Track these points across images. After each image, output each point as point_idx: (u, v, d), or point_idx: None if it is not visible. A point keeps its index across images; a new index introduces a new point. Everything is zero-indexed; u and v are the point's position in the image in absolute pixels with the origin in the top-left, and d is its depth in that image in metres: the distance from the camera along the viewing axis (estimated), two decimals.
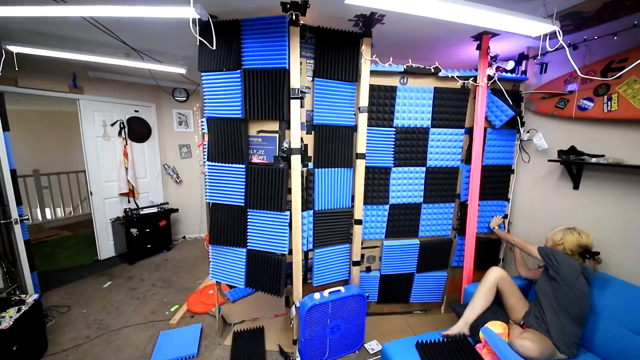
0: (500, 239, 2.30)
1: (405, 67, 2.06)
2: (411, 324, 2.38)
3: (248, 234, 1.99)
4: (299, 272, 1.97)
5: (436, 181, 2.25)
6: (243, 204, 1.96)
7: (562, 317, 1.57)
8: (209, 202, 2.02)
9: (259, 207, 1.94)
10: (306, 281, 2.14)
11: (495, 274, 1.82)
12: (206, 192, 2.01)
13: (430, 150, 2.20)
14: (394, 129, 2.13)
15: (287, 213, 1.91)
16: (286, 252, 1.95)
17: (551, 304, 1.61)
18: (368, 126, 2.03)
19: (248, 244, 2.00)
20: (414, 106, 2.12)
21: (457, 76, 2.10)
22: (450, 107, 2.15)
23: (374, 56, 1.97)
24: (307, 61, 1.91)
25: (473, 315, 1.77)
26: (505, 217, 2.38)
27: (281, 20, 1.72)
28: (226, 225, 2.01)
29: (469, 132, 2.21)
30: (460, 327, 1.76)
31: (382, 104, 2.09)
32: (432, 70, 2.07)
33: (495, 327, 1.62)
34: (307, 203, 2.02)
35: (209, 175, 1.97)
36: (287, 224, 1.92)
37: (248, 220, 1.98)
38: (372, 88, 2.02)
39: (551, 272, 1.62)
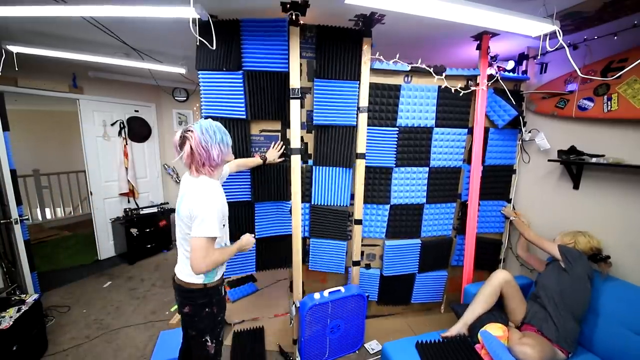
0: (520, 233, 2.11)
1: (410, 66, 2.03)
2: (411, 324, 2.38)
3: (256, 225, 2.06)
4: (299, 272, 1.99)
5: (439, 181, 2.24)
6: (250, 199, 2.00)
7: (563, 312, 1.59)
8: None
9: (265, 200, 2.03)
10: (304, 263, 2.17)
11: (500, 277, 1.78)
12: None
13: (434, 150, 2.18)
14: (397, 129, 2.11)
15: (290, 202, 2.00)
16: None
17: (553, 297, 1.64)
18: (370, 126, 2.02)
19: (257, 234, 2.06)
20: (417, 105, 2.10)
21: (461, 75, 2.09)
22: (454, 106, 2.14)
23: (377, 54, 1.95)
24: (308, 61, 1.92)
25: (473, 317, 1.76)
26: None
27: (282, 23, 1.74)
28: (234, 221, 2.01)
29: (472, 132, 2.20)
30: (459, 328, 1.76)
31: (386, 103, 2.07)
32: (436, 69, 2.06)
33: (495, 329, 1.62)
34: (305, 197, 2.07)
35: None
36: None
37: (255, 213, 2.05)
38: (376, 87, 2.01)
39: (566, 267, 1.65)
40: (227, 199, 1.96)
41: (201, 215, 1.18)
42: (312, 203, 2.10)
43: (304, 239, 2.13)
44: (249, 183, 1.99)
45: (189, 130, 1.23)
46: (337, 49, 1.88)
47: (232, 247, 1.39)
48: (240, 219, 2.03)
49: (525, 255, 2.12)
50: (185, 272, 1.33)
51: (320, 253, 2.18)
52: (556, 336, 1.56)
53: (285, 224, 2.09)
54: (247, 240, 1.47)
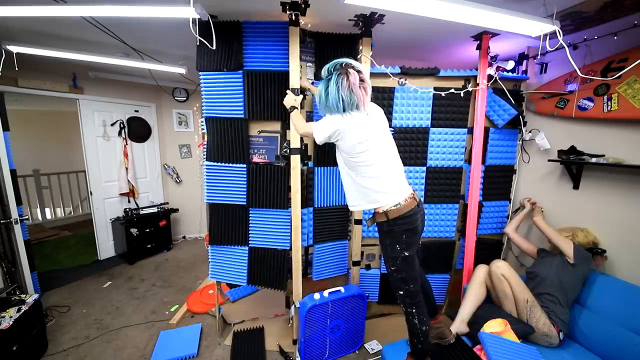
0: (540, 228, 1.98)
1: (402, 69, 2.04)
2: None
3: (250, 232, 2.01)
4: (299, 271, 1.98)
5: (437, 181, 2.23)
6: (245, 203, 1.97)
7: (559, 295, 1.68)
8: (207, 202, 2.03)
9: (261, 206, 1.97)
10: (306, 276, 2.16)
11: (482, 270, 1.92)
12: (205, 192, 2.01)
13: (431, 150, 2.18)
14: (392, 129, 2.12)
15: (290, 210, 1.94)
16: (288, 248, 1.99)
17: (552, 282, 1.71)
18: None
19: (250, 242, 2.02)
20: (412, 106, 2.11)
21: (456, 76, 2.09)
22: (451, 106, 2.14)
23: (370, 54, 1.95)
24: (307, 65, 1.94)
25: (466, 311, 1.82)
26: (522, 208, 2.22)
27: (284, 25, 1.76)
28: (227, 224, 2.02)
29: (472, 132, 2.19)
30: (457, 326, 1.78)
31: (380, 104, 2.06)
32: (429, 71, 2.07)
33: (495, 325, 1.62)
34: (307, 200, 2.04)
35: (207, 175, 1.97)
36: (290, 221, 1.95)
37: (250, 218, 2.00)
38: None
39: (576, 263, 1.69)
40: (218, 199, 1.99)
41: None
42: (315, 206, 2.08)
43: (305, 249, 2.11)
44: (245, 184, 1.95)
45: (359, 70, 1.40)
46: (334, 55, 1.89)
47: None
48: (232, 223, 2.01)
49: (514, 235, 2.11)
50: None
51: (325, 258, 2.17)
52: (551, 310, 1.65)
53: (283, 236, 2.01)
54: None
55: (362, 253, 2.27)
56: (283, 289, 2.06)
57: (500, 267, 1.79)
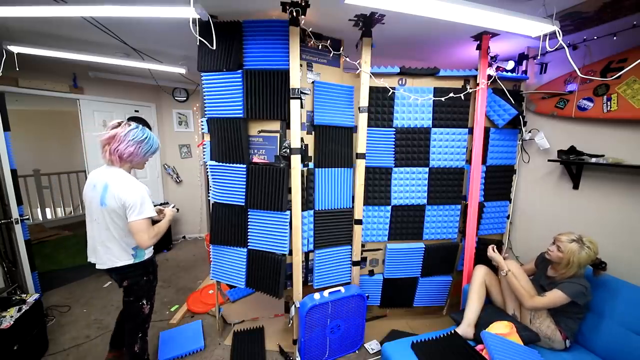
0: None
1: (401, 69, 2.05)
2: (412, 325, 2.39)
3: (249, 233, 2.00)
4: (299, 272, 1.98)
5: (440, 182, 2.22)
6: (243, 204, 1.96)
7: (568, 308, 1.60)
8: (211, 202, 2.04)
9: (260, 207, 1.94)
10: (306, 284, 2.13)
11: (481, 271, 1.92)
12: (210, 192, 2.02)
13: (433, 151, 2.18)
14: (394, 129, 2.12)
15: (288, 213, 1.91)
16: (286, 252, 1.96)
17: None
18: (368, 127, 2.02)
19: (249, 244, 2.01)
20: (413, 106, 2.11)
21: (456, 75, 2.09)
22: (452, 106, 2.14)
23: (364, 58, 1.94)
24: (308, 64, 1.93)
25: (472, 314, 1.79)
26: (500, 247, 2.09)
27: (284, 24, 1.75)
28: (228, 225, 2.01)
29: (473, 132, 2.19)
30: (464, 329, 1.76)
31: (381, 104, 2.09)
32: (429, 70, 2.07)
33: (500, 327, 1.62)
34: (308, 203, 2.02)
35: (212, 175, 1.98)
36: (288, 224, 1.92)
37: (249, 220, 1.98)
38: (371, 90, 2.01)
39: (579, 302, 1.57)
40: (220, 199, 1.99)
41: (138, 201, 1.39)
42: (316, 209, 2.03)
43: (306, 255, 2.08)
44: (244, 184, 1.93)
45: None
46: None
47: (164, 221, 1.63)
48: (232, 223, 1.99)
49: (521, 276, 1.76)
50: (122, 259, 1.51)
51: (326, 265, 2.11)
52: (560, 318, 1.62)
53: (281, 239, 1.93)
54: (172, 212, 1.76)
55: (365, 258, 2.26)
56: (278, 296, 1.98)
57: (509, 263, 1.80)
